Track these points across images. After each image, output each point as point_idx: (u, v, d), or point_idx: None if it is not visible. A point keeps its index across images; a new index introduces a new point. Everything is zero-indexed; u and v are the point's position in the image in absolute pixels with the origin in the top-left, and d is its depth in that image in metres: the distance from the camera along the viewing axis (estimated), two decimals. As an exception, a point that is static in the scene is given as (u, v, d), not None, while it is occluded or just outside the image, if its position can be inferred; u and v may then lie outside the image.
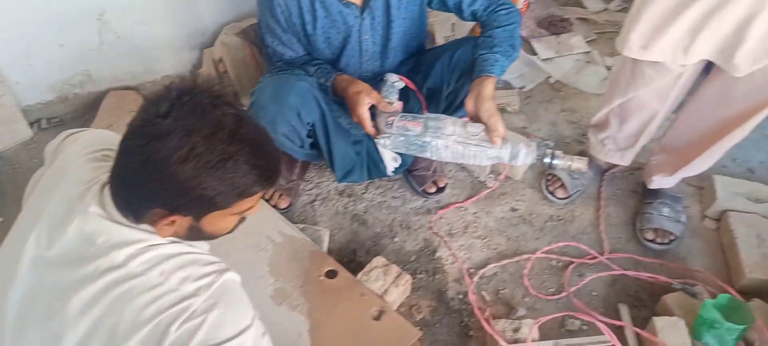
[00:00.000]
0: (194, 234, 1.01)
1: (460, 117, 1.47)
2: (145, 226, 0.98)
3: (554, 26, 2.56)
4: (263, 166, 0.96)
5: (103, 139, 1.16)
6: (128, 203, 0.96)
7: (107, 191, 0.98)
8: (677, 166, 1.74)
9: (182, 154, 0.87)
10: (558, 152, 1.40)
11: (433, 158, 1.42)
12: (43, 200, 1.05)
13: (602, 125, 1.82)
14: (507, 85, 2.33)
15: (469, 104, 1.42)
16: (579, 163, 1.40)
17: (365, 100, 1.46)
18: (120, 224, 0.98)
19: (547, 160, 1.39)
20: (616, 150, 1.86)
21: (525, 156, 1.38)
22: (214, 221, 0.99)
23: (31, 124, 2.11)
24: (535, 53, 2.47)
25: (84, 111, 2.15)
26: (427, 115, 1.43)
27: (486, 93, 1.40)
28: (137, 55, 2.12)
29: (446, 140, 1.38)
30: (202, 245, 1.09)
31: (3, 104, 1.98)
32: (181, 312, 0.94)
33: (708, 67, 1.52)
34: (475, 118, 1.42)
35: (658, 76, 1.51)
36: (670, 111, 1.70)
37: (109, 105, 2.11)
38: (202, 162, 0.89)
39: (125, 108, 2.09)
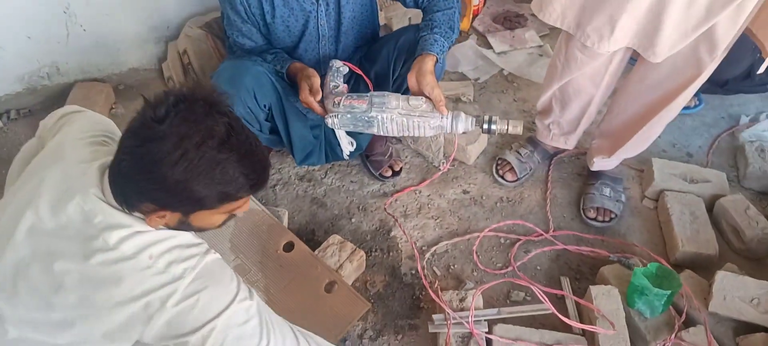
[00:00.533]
0: (183, 227, 1.10)
1: None
2: (137, 214, 1.06)
3: (509, 21, 2.67)
4: (250, 174, 1.03)
5: (100, 124, 1.24)
6: (123, 194, 1.04)
7: (107, 177, 1.06)
8: (614, 148, 1.85)
9: (174, 159, 0.95)
10: (495, 118, 1.47)
11: (380, 133, 1.51)
12: (40, 176, 1.11)
13: (546, 111, 1.93)
14: (463, 77, 2.43)
15: (411, 79, 1.51)
16: (515, 126, 1.47)
17: (306, 86, 1.56)
18: (115, 208, 1.06)
19: (485, 126, 1.47)
20: (560, 134, 1.97)
21: (465, 123, 1.47)
22: (202, 217, 1.08)
23: (0, 115, 2.16)
24: (490, 47, 2.58)
25: (52, 102, 2.20)
26: (372, 93, 1.51)
27: (426, 68, 1.49)
28: (104, 48, 2.19)
29: (391, 113, 1.46)
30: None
31: (-28, 95, 2.04)
32: (172, 292, 1.04)
33: (636, 54, 1.64)
34: (417, 92, 1.51)
35: (589, 61, 1.62)
36: (606, 96, 1.82)
37: (76, 96, 2.16)
38: (192, 167, 0.96)
39: (92, 99, 2.15)
